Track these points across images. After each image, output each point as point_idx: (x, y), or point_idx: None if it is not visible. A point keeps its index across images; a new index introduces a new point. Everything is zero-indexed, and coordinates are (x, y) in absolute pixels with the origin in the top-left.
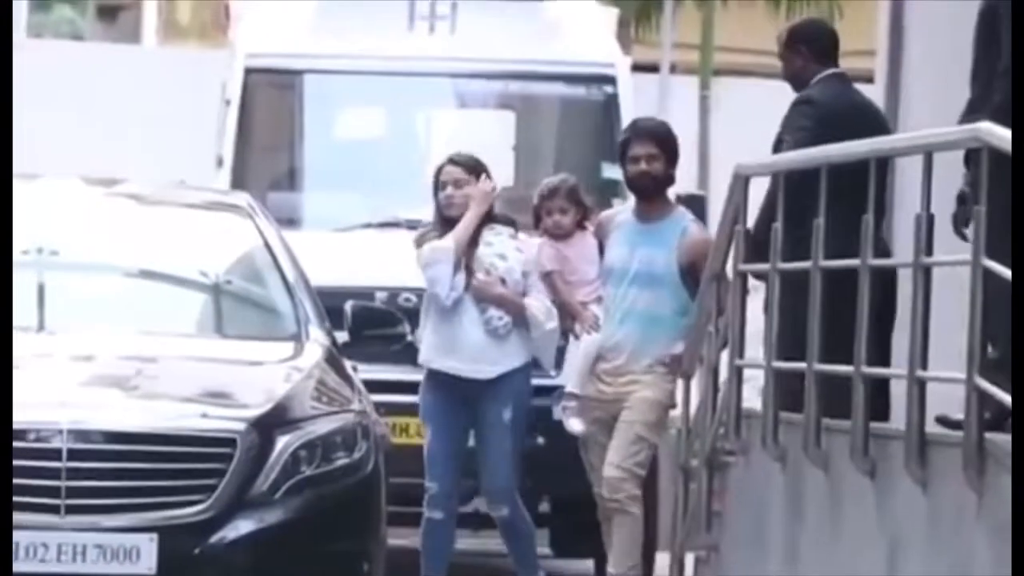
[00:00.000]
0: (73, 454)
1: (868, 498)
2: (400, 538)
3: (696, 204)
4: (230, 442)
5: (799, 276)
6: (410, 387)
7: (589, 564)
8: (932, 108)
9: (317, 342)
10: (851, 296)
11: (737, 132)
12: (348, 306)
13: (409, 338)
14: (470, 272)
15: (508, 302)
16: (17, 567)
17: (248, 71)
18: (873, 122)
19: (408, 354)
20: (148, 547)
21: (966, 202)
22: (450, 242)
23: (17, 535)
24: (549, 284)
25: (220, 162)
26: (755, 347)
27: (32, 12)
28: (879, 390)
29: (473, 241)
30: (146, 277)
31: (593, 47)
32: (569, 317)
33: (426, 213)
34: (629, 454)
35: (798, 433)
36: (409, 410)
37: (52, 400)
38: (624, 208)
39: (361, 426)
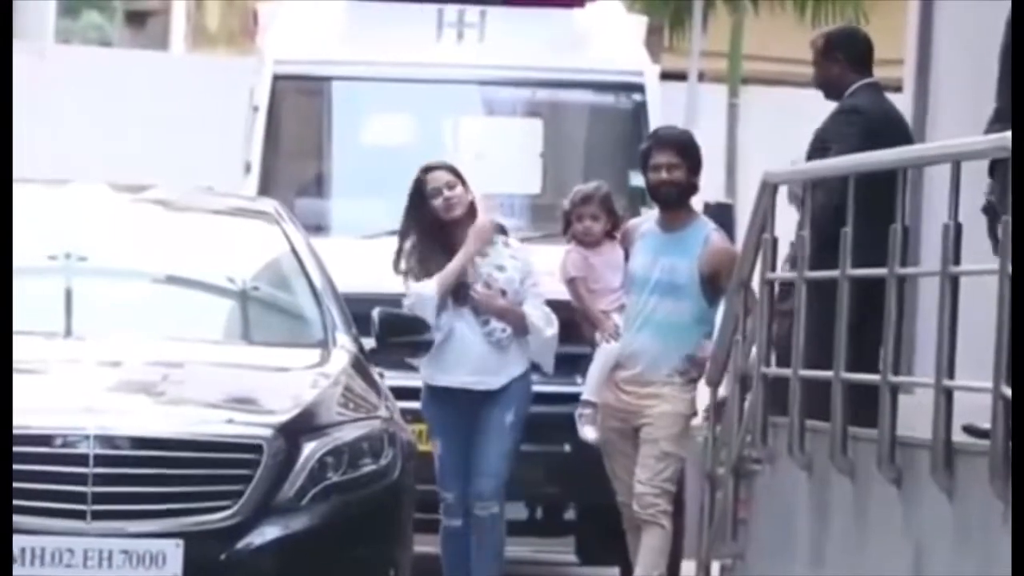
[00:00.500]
0: (100, 460)
1: (894, 507)
2: (427, 545)
3: (724, 212)
4: (256, 448)
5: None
6: None
7: (614, 572)
8: (960, 117)
9: (344, 348)
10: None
11: (765, 140)
12: (375, 313)
13: None
14: (464, 286)
15: (510, 313)
16: (43, 572)
17: (276, 78)
18: (906, 132)
19: None
20: (174, 552)
21: (992, 213)
22: (432, 289)
23: (43, 540)
24: (572, 291)
25: (248, 168)
26: None
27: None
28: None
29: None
30: (173, 283)
31: (622, 55)
32: (590, 325)
33: None
34: (657, 471)
35: (824, 441)
36: None
37: (79, 406)
38: (648, 217)
39: (388, 433)
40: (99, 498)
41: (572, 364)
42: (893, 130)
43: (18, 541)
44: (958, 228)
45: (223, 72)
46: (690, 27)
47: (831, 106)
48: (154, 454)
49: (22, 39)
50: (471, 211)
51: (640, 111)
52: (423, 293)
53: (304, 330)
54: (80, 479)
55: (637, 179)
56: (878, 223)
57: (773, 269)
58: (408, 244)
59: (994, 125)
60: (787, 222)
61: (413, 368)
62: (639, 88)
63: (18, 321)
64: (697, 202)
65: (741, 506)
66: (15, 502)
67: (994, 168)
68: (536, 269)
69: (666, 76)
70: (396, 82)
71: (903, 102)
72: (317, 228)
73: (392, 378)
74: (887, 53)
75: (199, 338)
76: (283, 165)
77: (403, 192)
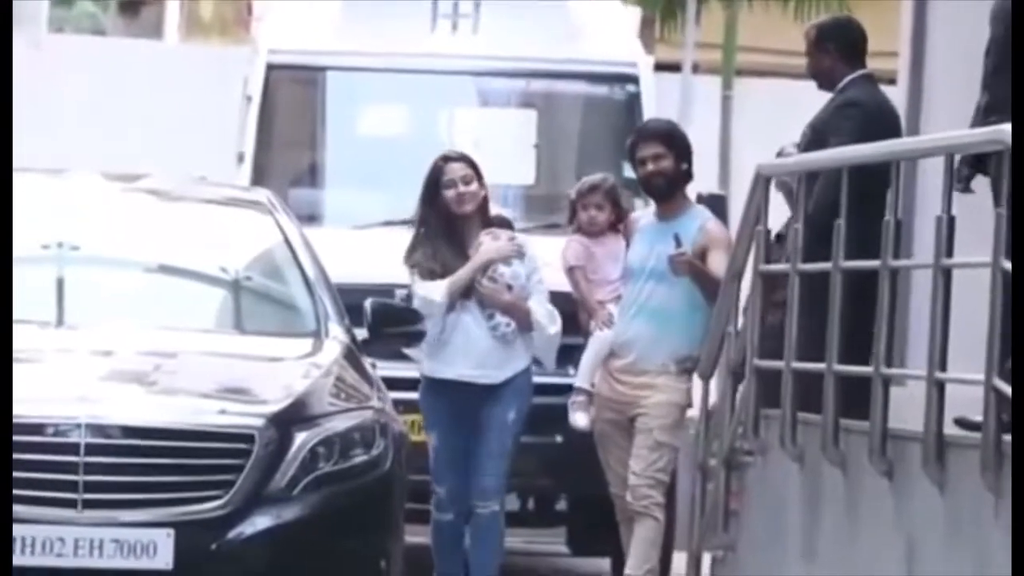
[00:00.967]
0: (91, 449)
1: (886, 499)
2: (418, 536)
3: (717, 203)
4: (248, 438)
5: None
6: None
7: (605, 563)
8: (954, 110)
9: (336, 339)
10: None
11: (759, 132)
12: (368, 303)
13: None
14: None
15: (515, 309)
16: (33, 561)
17: (270, 67)
18: (898, 126)
19: None
20: (165, 542)
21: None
22: (441, 296)
23: (34, 529)
24: (571, 280)
25: (241, 158)
26: None
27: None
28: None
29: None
30: (166, 272)
31: (616, 46)
32: (585, 314)
33: None
34: (651, 462)
35: (816, 433)
36: None
37: (71, 395)
38: (650, 211)
39: (379, 423)
40: (90, 487)
41: (566, 355)
42: (888, 123)
43: None
44: (951, 221)
45: (217, 62)
46: (683, 19)
47: (825, 97)
48: (146, 443)
49: (17, 27)
50: (483, 207)
51: (634, 102)
52: (432, 300)
53: (296, 320)
54: (71, 468)
55: (631, 171)
56: (873, 217)
57: (767, 261)
58: (419, 234)
59: (989, 118)
60: (781, 214)
61: (406, 359)
62: (633, 79)
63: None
64: (690, 193)
65: (733, 498)
66: None
67: (980, 160)
68: (539, 263)
69: (660, 67)
70: (390, 72)
71: (897, 95)
72: (310, 218)
73: (384, 368)
74: (880, 45)
75: (191, 327)
76: (276, 155)
77: (396, 183)
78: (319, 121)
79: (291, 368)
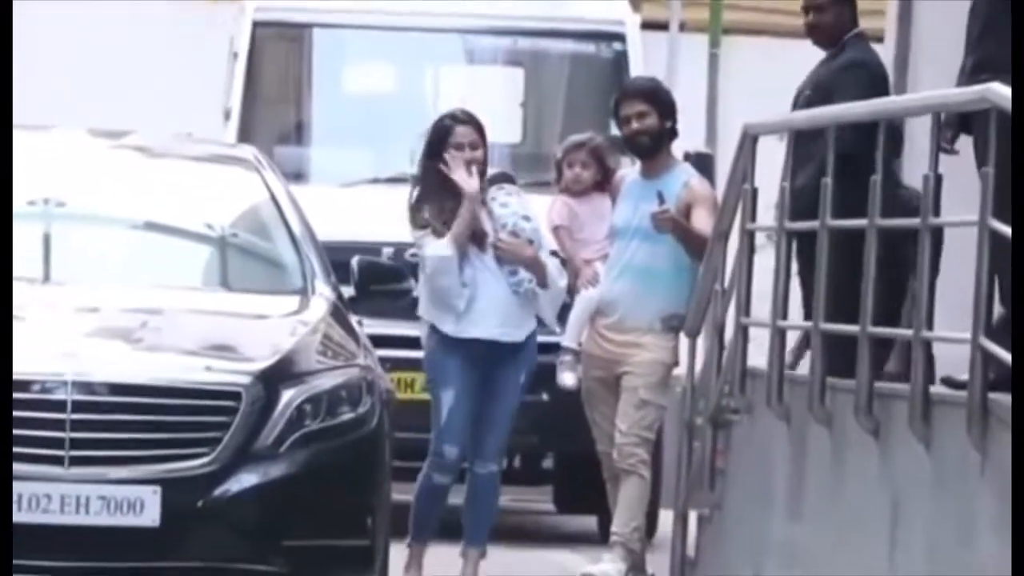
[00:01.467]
0: (77, 406)
1: (872, 457)
2: (404, 493)
3: (704, 162)
4: (235, 395)
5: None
6: (416, 343)
7: (592, 521)
8: (942, 69)
9: (323, 296)
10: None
11: (746, 90)
12: (354, 261)
13: (415, 293)
14: (478, 238)
15: (537, 264)
16: (20, 518)
17: (256, 24)
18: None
19: (415, 310)
20: (152, 499)
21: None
22: (449, 248)
23: (20, 486)
24: (557, 239)
25: (227, 115)
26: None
27: None
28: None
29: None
30: (152, 229)
31: (602, 4)
32: (572, 274)
33: None
34: (636, 420)
35: (803, 392)
36: (415, 366)
37: (57, 351)
38: (635, 169)
39: (366, 381)
40: (77, 444)
41: None
42: (886, 83)
43: None
44: (938, 180)
45: (204, 18)
46: None
47: (813, 55)
48: (132, 400)
49: None
50: (482, 170)
51: (621, 60)
52: (442, 255)
53: (283, 278)
54: (58, 425)
55: (617, 129)
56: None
57: (753, 220)
58: (417, 192)
59: (978, 77)
60: (768, 172)
61: (393, 316)
62: (620, 37)
63: None
64: (677, 152)
65: (719, 456)
66: None
67: (964, 121)
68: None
69: (647, 26)
70: (377, 30)
71: (884, 53)
72: (296, 176)
73: (371, 326)
74: (867, 3)
75: (178, 285)
76: (262, 112)
77: (382, 140)
78: (305, 78)
79: (278, 326)
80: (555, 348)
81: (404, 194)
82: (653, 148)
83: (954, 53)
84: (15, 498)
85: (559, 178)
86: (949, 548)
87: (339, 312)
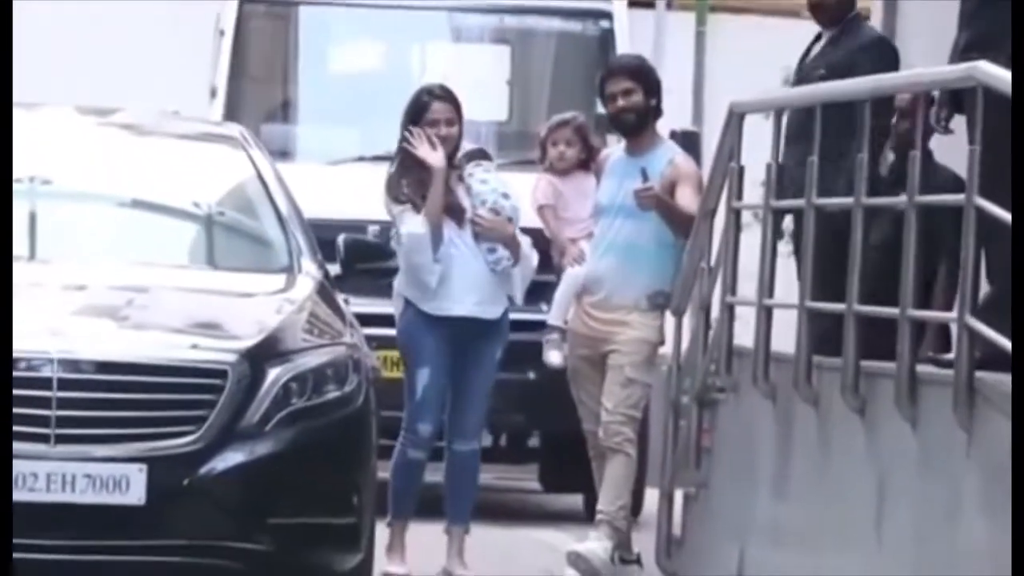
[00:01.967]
0: (63, 384)
1: (858, 436)
2: (388, 471)
3: (691, 140)
4: (221, 373)
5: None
6: None
7: (577, 500)
8: (927, 48)
9: (309, 275)
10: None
11: (733, 68)
12: (340, 239)
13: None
14: (456, 214)
15: (514, 242)
16: None
17: (242, 1)
18: None
19: None
20: (137, 477)
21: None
22: (422, 226)
23: None
24: (541, 218)
25: (214, 93)
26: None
27: None
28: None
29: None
30: (138, 207)
31: None
32: (558, 252)
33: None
34: (622, 399)
35: (789, 370)
36: None
37: (43, 329)
38: (620, 147)
39: (352, 359)
40: (62, 422)
41: (538, 292)
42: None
43: None
44: (926, 157)
45: None
46: None
47: (799, 34)
48: (118, 378)
49: None
50: (456, 147)
51: (608, 38)
52: (415, 232)
53: (269, 256)
54: (43, 403)
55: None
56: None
57: (740, 198)
58: (396, 167)
59: (969, 55)
60: (754, 151)
61: (380, 295)
62: (607, 15)
63: None
64: (664, 130)
65: (705, 435)
66: None
67: (958, 100)
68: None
69: (633, 3)
70: (363, 7)
71: None
72: (283, 154)
73: (357, 304)
74: None
75: (164, 263)
76: (249, 90)
77: (369, 118)
78: (292, 56)
79: (264, 304)
80: (540, 326)
81: None
82: (638, 126)
83: (941, 31)
84: None
85: (543, 157)
86: (934, 526)
87: (325, 290)
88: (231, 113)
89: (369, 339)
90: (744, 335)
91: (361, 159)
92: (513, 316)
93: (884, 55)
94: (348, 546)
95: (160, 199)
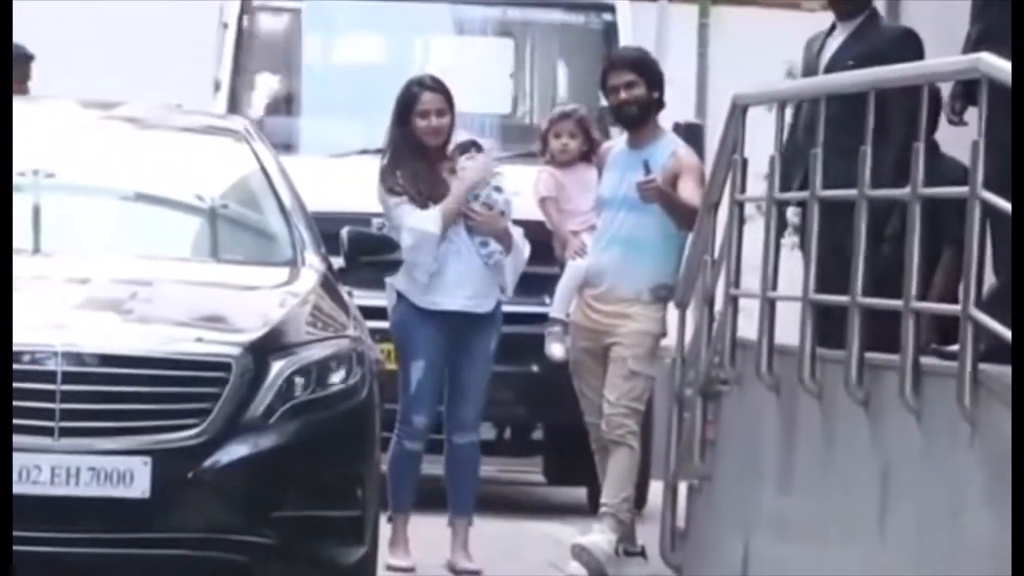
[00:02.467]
0: (67, 377)
1: (862, 428)
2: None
3: (694, 133)
4: (225, 366)
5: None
6: None
7: (581, 493)
8: (931, 40)
9: (313, 267)
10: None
11: (736, 61)
12: (345, 232)
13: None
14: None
15: (507, 235)
16: None
17: None
18: None
19: None
20: (142, 470)
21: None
22: (436, 225)
23: None
24: (543, 211)
25: (217, 86)
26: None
27: None
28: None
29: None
30: (142, 200)
31: None
32: (560, 245)
33: None
34: (625, 391)
35: (792, 363)
36: None
37: (46, 322)
38: (622, 140)
39: (356, 352)
40: (66, 415)
41: (540, 285)
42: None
43: None
44: (931, 149)
45: None
46: None
47: (802, 27)
48: (122, 371)
49: None
50: (448, 138)
51: (610, 31)
52: (427, 231)
53: (273, 249)
54: (47, 396)
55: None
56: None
57: (743, 190)
58: (388, 158)
59: (979, 47)
60: (758, 143)
61: (383, 287)
62: (609, 8)
63: None
64: (667, 122)
65: (709, 427)
66: None
67: (971, 92)
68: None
69: None
70: (367, 0)
71: None
72: (286, 147)
73: (361, 297)
74: None
75: (168, 256)
76: (252, 83)
77: (372, 111)
78: (295, 49)
79: (267, 297)
80: (542, 319)
81: None
82: (640, 118)
83: (945, 23)
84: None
85: (545, 149)
86: (938, 519)
87: (329, 283)
88: (235, 106)
89: (373, 332)
90: (748, 328)
91: (365, 152)
92: (515, 309)
93: (912, 46)
94: (352, 539)
95: (164, 192)
